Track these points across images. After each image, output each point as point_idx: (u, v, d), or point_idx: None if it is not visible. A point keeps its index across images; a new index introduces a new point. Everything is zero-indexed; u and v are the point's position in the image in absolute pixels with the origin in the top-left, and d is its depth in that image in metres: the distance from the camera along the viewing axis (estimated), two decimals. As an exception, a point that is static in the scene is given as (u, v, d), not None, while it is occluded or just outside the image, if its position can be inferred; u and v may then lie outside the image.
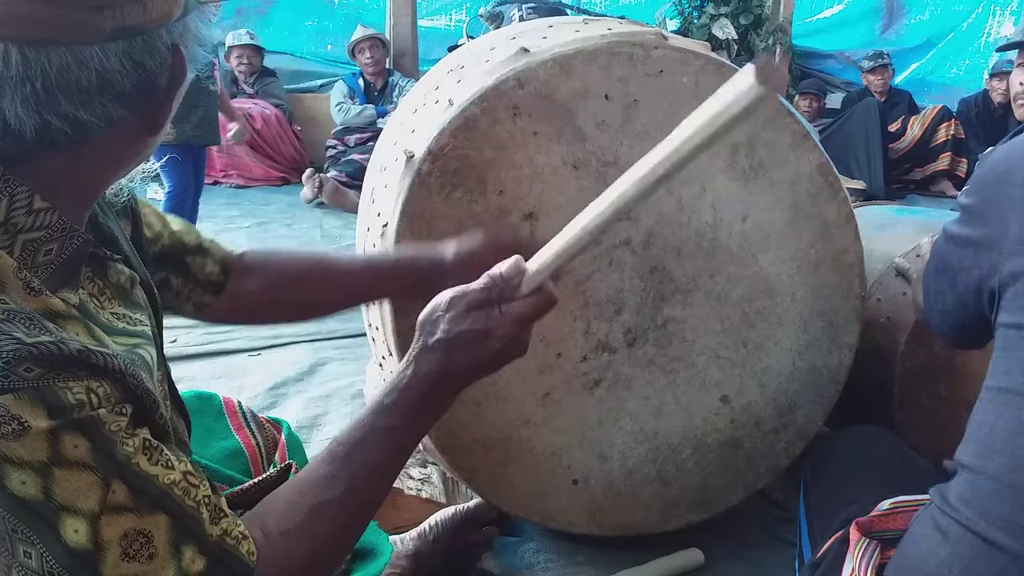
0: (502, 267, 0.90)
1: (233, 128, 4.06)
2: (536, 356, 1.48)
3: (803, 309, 1.59)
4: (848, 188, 1.62)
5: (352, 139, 5.71)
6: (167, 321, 1.04)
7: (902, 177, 6.38)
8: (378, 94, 5.98)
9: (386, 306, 1.43)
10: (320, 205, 5.15)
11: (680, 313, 1.54)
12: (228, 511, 0.79)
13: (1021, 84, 1.78)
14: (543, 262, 0.89)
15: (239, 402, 1.39)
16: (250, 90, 6.07)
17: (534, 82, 1.39)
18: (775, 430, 1.64)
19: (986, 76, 6.67)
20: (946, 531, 0.95)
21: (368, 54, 5.89)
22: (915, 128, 6.38)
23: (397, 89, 5.91)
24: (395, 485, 1.67)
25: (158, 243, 1.09)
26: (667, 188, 1.48)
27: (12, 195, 0.74)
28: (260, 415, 1.40)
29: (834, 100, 7.20)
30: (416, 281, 1.23)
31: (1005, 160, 1.02)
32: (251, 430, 1.36)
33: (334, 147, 5.76)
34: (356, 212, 1.95)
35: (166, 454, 0.75)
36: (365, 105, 5.85)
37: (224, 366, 2.60)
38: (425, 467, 1.77)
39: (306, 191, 5.20)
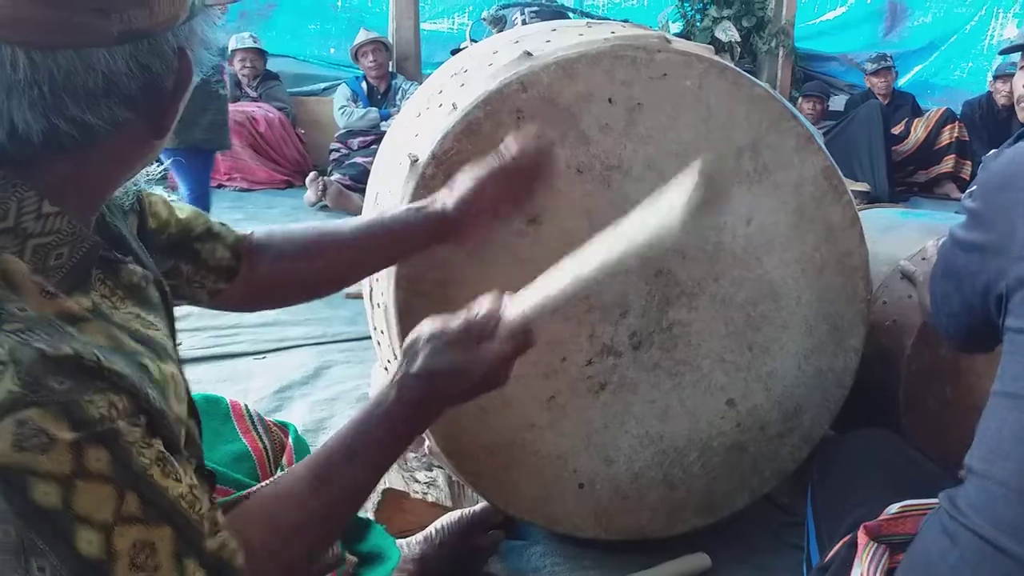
0: (482, 306, 0.94)
1: None
2: (541, 360, 1.48)
3: (808, 312, 1.59)
4: (851, 191, 1.62)
5: (355, 142, 5.72)
6: (173, 324, 1.03)
7: (906, 180, 6.37)
8: (381, 97, 5.98)
9: (391, 309, 1.43)
10: (324, 208, 5.15)
11: (685, 316, 1.54)
12: (221, 523, 0.80)
13: None
14: (525, 308, 0.91)
15: (246, 405, 1.39)
16: (253, 93, 6.08)
17: (537, 86, 1.39)
18: (781, 434, 1.64)
19: (990, 78, 6.65)
20: (955, 536, 0.94)
21: (371, 57, 5.90)
22: (919, 131, 6.37)
23: (400, 92, 5.91)
24: (401, 488, 1.67)
25: (165, 231, 1.08)
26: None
27: (21, 200, 0.74)
28: (267, 418, 1.40)
29: (837, 102, 7.19)
30: (425, 239, 1.22)
31: (1011, 164, 1.02)
32: (258, 433, 1.35)
33: (337, 150, 5.77)
34: (359, 215, 1.95)
35: (175, 466, 0.76)
36: (368, 108, 5.86)
37: (229, 369, 2.60)
38: (431, 471, 1.77)
39: (310, 194, 5.20)
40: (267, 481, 0.94)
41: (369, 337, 2.00)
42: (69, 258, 0.77)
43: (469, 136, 1.38)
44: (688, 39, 2.32)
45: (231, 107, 4.27)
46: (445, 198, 1.20)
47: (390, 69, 6.13)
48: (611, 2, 7.87)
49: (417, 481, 1.74)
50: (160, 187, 1.09)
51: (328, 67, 7.11)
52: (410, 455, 1.79)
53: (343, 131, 5.82)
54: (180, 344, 1.05)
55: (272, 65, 6.33)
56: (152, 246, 1.00)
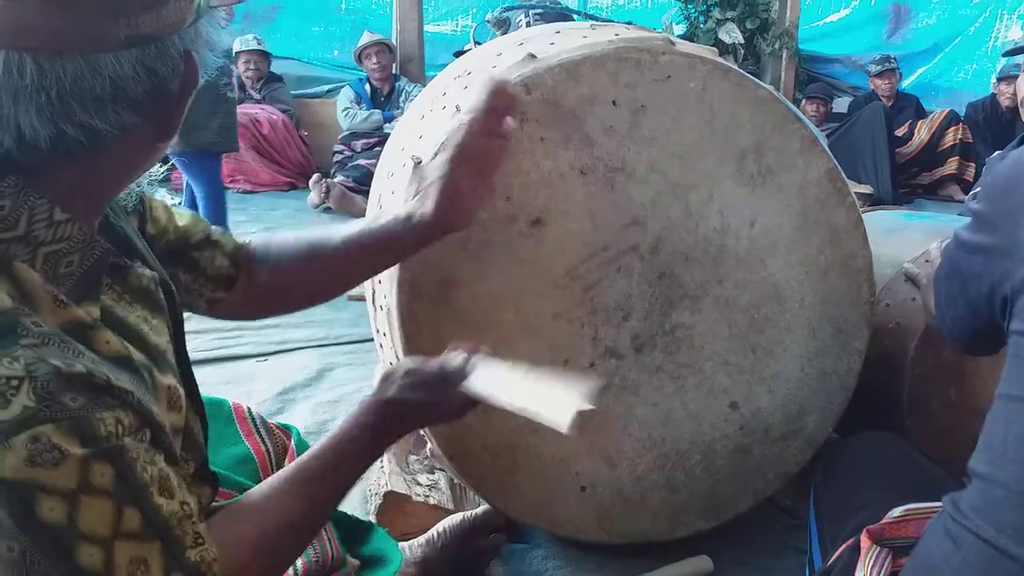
0: (456, 359, 1.07)
1: None
2: (543, 363, 1.47)
3: (812, 315, 1.59)
4: (855, 193, 1.62)
5: (359, 144, 5.73)
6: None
7: (909, 181, 6.36)
8: (385, 99, 5.99)
9: (393, 311, 1.43)
10: (327, 210, 5.16)
11: (688, 319, 1.54)
12: (207, 537, 0.81)
13: None
14: (484, 388, 1.05)
15: (248, 408, 1.39)
16: (257, 95, 6.09)
17: (541, 88, 1.39)
18: (784, 436, 1.64)
19: (993, 80, 6.64)
20: (958, 539, 0.94)
21: (375, 59, 5.91)
22: (922, 132, 6.36)
23: (404, 94, 5.92)
24: (403, 491, 1.67)
25: (163, 238, 1.08)
26: (674, 193, 1.48)
27: (32, 208, 0.74)
28: (270, 421, 1.40)
29: (841, 104, 7.18)
30: (413, 245, 1.21)
31: (1016, 166, 1.02)
32: (261, 436, 1.35)
33: (341, 152, 5.78)
34: (363, 217, 1.95)
35: (171, 482, 0.77)
36: (372, 110, 5.87)
37: (232, 371, 2.60)
38: (433, 473, 1.77)
39: (313, 196, 5.21)
40: (249, 492, 0.98)
41: (371, 339, 2.00)
42: (80, 265, 0.77)
43: (472, 138, 1.38)
44: (692, 41, 2.31)
45: (235, 109, 4.29)
46: (423, 204, 1.16)
47: (394, 71, 6.14)
48: (615, 4, 7.88)
49: (419, 484, 1.74)
50: (164, 188, 1.09)
51: (332, 69, 7.12)
52: (412, 458, 1.79)
53: (346, 133, 5.83)
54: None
55: (276, 67, 6.35)
56: (156, 251, 1.00)
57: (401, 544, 1.45)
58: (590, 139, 1.43)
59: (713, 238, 1.51)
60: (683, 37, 5.78)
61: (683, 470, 1.60)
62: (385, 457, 1.73)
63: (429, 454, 1.71)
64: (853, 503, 1.24)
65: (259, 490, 0.95)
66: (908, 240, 1.92)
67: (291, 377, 2.57)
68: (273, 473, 1.28)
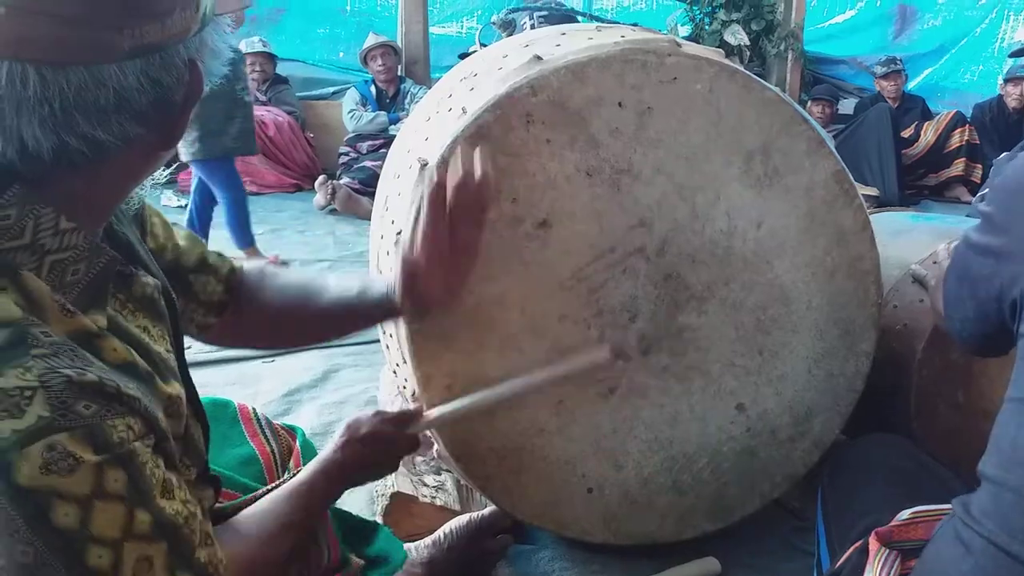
0: (411, 407, 1.30)
1: None
2: (548, 364, 1.47)
3: (819, 316, 1.58)
4: (861, 195, 1.62)
5: (364, 146, 5.73)
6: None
7: (916, 183, 6.35)
8: (390, 101, 6.00)
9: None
10: (333, 212, 5.17)
11: (695, 321, 1.53)
12: (213, 537, 0.82)
13: None
14: (431, 418, 1.29)
15: (254, 409, 1.39)
16: (263, 97, 6.10)
17: (547, 89, 1.39)
18: (791, 438, 1.63)
19: (1000, 81, 6.63)
20: (968, 543, 0.94)
21: (380, 61, 5.91)
22: (928, 134, 6.34)
23: (409, 96, 5.92)
24: (410, 492, 1.67)
25: (162, 255, 1.07)
26: (680, 195, 1.48)
27: (38, 216, 0.74)
28: (275, 422, 1.40)
29: (847, 106, 7.16)
30: (386, 320, 1.32)
31: (1025, 167, 1.01)
32: (265, 437, 1.36)
33: (346, 154, 5.79)
34: (369, 219, 1.95)
35: (174, 483, 0.78)
36: (377, 112, 5.87)
37: (238, 372, 2.60)
38: (439, 475, 1.77)
39: (319, 198, 5.21)
40: (252, 507, 1.06)
41: (377, 341, 2.00)
42: (86, 274, 0.77)
43: (479, 140, 1.38)
44: (697, 43, 2.31)
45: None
46: (397, 289, 1.18)
47: (399, 73, 6.15)
48: (620, 6, 7.87)
49: (426, 485, 1.74)
50: (170, 190, 1.08)
51: (337, 71, 7.13)
52: (419, 459, 1.79)
53: (352, 135, 5.84)
54: (190, 347, 1.06)
55: (281, 69, 6.35)
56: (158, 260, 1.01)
57: (407, 545, 1.45)
58: (596, 141, 1.43)
59: (720, 240, 1.51)
60: (688, 39, 5.78)
61: (690, 472, 1.60)
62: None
63: (436, 455, 1.71)
64: (861, 505, 1.24)
65: (270, 505, 1.06)
66: (915, 242, 1.92)
67: (297, 378, 2.57)
68: (277, 473, 1.30)
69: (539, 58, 1.43)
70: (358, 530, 1.28)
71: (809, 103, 6.74)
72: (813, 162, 1.51)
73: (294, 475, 1.19)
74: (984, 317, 1.08)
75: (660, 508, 1.60)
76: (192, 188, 3.83)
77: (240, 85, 3.58)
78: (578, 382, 1.45)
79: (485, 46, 2.21)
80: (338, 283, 1.23)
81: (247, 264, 1.23)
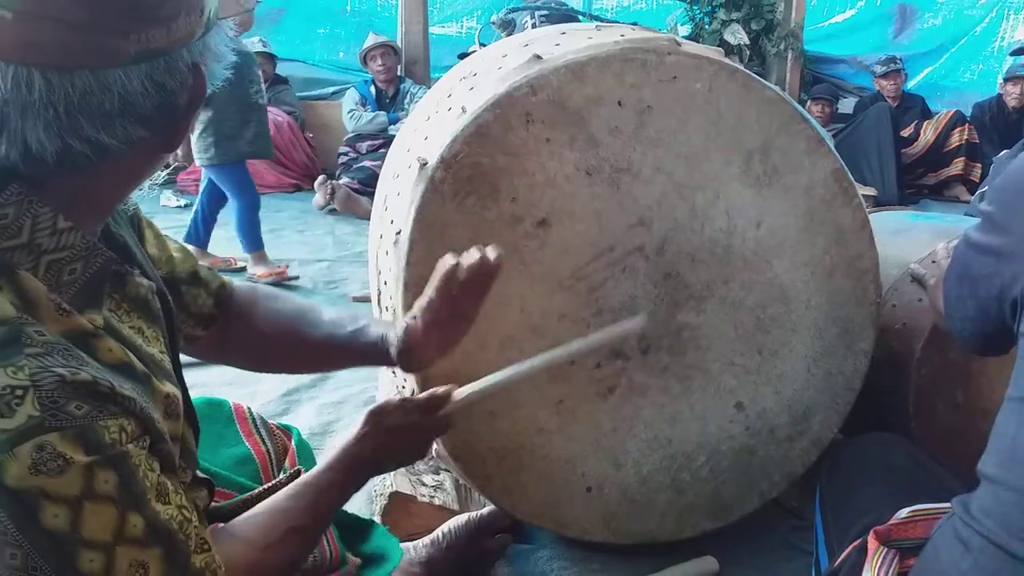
0: (439, 390, 1.16)
1: None
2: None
3: (818, 315, 1.58)
4: (860, 195, 1.62)
5: (364, 146, 5.73)
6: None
7: (915, 182, 6.34)
8: (390, 101, 5.99)
9: (399, 312, 1.43)
10: (332, 212, 5.17)
11: (694, 320, 1.53)
12: (210, 542, 0.81)
13: None
14: (461, 398, 1.17)
15: (249, 408, 1.39)
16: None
17: (547, 89, 1.39)
18: (790, 437, 1.63)
19: (1000, 80, 6.62)
20: (968, 542, 0.94)
21: (380, 61, 5.91)
22: (928, 133, 6.34)
23: (409, 96, 5.92)
24: (408, 492, 1.67)
25: (155, 266, 1.06)
26: (680, 194, 1.48)
27: (35, 216, 0.74)
28: (270, 421, 1.40)
29: (846, 105, 7.16)
30: (380, 364, 1.26)
31: (1026, 167, 1.01)
32: (261, 436, 1.35)
33: (346, 154, 5.79)
34: (368, 219, 1.95)
35: (170, 487, 0.77)
36: (377, 112, 5.87)
37: (235, 372, 2.56)
38: (438, 474, 1.77)
39: (318, 198, 5.21)
40: (255, 508, 1.02)
41: (377, 340, 2.00)
42: (82, 273, 0.77)
43: (478, 139, 1.38)
44: (697, 42, 2.31)
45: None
46: (393, 340, 1.17)
47: (399, 73, 6.14)
48: (619, 5, 7.87)
49: (424, 484, 1.74)
50: (169, 190, 1.08)
51: (337, 71, 7.13)
52: (418, 458, 1.79)
53: (352, 135, 5.84)
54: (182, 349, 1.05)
55: (281, 69, 6.35)
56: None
57: (406, 544, 1.45)
58: (596, 140, 1.43)
59: (719, 239, 1.51)
60: (688, 38, 5.78)
61: (689, 471, 1.60)
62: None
63: (435, 455, 1.71)
64: (859, 504, 1.24)
65: (277, 503, 1.01)
66: (914, 241, 1.92)
67: (295, 378, 2.56)
68: (273, 473, 1.30)
69: (539, 57, 1.43)
70: (353, 527, 1.28)
71: (809, 102, 6.73)
72: (812, 161, 1.51)
73: (290, 474, 1.19)
74: (984, 316, 1.08)
75: (659, 507, 1.60)
76: (200, 190, 3.81)
77: (254, 88, 3.57)
78: (607, 351, 1.47)
79: (485, 46, 2.21)
80: (332, 319, 1.22)
81: (238, 285, 1.23)
